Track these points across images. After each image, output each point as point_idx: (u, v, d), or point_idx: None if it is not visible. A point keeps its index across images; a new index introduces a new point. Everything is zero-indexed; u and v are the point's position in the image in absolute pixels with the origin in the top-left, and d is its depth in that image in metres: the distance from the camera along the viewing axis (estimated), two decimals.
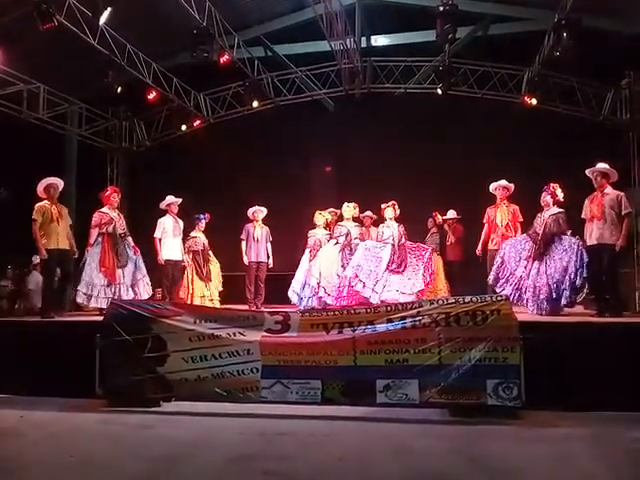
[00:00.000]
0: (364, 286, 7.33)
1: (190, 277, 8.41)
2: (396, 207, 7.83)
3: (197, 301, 8.28)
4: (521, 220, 7.44)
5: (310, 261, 8.11)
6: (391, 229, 7.70)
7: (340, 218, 8.56)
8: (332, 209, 8.78)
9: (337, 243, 8.00)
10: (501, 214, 7.46)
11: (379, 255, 7.51)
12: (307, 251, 8.35)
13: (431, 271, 7.49)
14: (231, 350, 4.94)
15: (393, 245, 7.55)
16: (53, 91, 10.22)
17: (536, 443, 3.97)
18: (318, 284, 7.71)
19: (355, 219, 8.48)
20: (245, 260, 8.62)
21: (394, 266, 7.43)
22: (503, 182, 7.58)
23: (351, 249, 7.88)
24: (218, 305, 8.28)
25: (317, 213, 8.52)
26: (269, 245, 8.77)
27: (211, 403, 4.94)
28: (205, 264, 8.50)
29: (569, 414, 4.54)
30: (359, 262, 7.47)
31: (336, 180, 11.82)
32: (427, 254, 7.54)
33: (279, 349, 4.90)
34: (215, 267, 8.77)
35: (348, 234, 8.00)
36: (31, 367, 5.43)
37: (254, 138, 11.57)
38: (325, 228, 8.48)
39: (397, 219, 7.91)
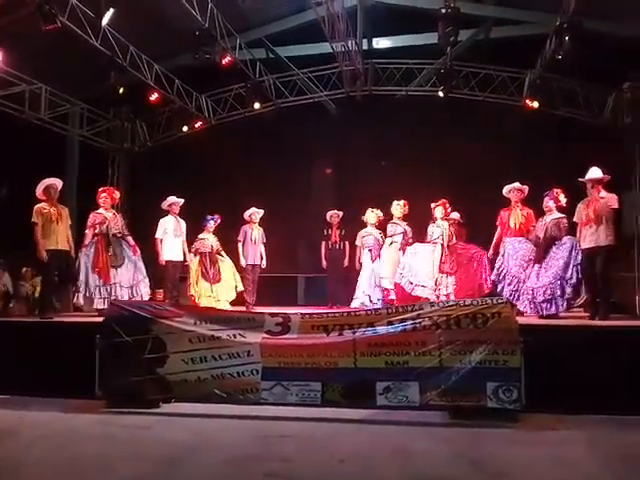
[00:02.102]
0: (422, 287, 7.27)
1: (195, 278, 8.36)
2: (447, 205, 7.61)
3: (203, 301, 8.19)
4: (534, 225, 7.15)
5: (372, 262, 7.99)
6: (441, 228, 7.53)
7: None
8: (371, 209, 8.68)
9: (392, 243, 7.82)
10: (514, 217, 7.26)
11: (431, 257, 7.37)
12: (366, 251, 8.20)
13: (485, 275, 7.23)
14: (231, 352, 4.92)
15: (443, 245, 7.41)
16: (55, 92, 10.23)
17: (534, 446, 3.96)
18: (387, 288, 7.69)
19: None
20: (242, 262, 8.60)
21: (447, 267, 7.30)
22: (517, 184, 7.36)
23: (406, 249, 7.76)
24: (226, 306, 8.21)
25: (369, 210, 8.39)
26: (262, 247, 8.77)
27: (211, 404, 4.93)
28: (212, 266, 8.39)
29: (568, 417, 4.54)
30: (408, 263, 7.35)
31: (337, 182, 11.84)
32: (479, 255, 7.34)
33: (279, 351, 4.89)
34: (228, 269, 8.54)
35: (405, 233, 7.82)
36: (31, 367, 5.43)
37: (255, 140, 11.58)
38: (377, 227, 8.31)
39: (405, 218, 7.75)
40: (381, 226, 8.50)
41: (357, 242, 9.22)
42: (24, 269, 9.67)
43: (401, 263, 7.51)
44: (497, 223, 7.45)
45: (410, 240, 7.86)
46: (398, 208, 8.01)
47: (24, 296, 9.56)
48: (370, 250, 8.15)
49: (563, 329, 5.56)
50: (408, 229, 7.89)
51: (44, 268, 6.88)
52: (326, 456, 3.78)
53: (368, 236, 8.27)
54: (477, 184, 9.75)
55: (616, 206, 6.18)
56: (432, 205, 7.72)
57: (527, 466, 3.57)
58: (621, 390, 4.62)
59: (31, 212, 6.60)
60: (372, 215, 8.32)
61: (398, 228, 7.88)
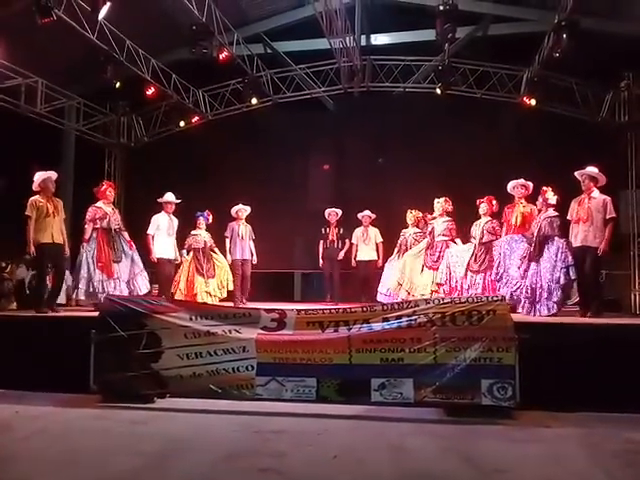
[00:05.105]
0: (450, 289, 7.27)
1: (191, 274, 8.35)
2: (493, 202, 7.44)
3: (198, 296, 8.21)
4: None
5: (398, 260, 8.07)
6: (477, 227, 7.44)
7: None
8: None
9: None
10: (516, 213, 7.22)
11: (464, 257, 7.33)
12: (395, 250, 8.34)
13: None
14: (226, 347, 4.93)
15: (475, 245, 7.35)
16: (51, 85, 10.18)
17: (528, 443, 3.97)
18: (400, 285, 7.69)
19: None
20: (229, 258, 8.64)
21: (475, 266, 7.22)
22: (521, 180, 7.29)
23: (434, 247, 7.73)
24: (217, 301, 8.23)
25: (408, 211, 8.51)
26: (252, 243, 8.79)
27: (206, 400, 4.94)
28: (207, 261, 8.42)
29: (562, 414, 4.56)
30: (446, 267, 7.37)
31: (334, 178, 11.83)
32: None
33: (275, 347, 4.89)
34: (221, 266, 8.55)
35: (432, 232, 7.80)
36: (26, 362, 5.42)
37: (252, 136, 11.56)
38: (417, 226, 8.37)
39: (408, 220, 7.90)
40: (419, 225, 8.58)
41: (353, 240, 9.23)
42: (8, 263, 9.53)
43: (444, 264, 7.47)
44: (502, 220, 7.38)
45: (440, 236, 7.72)
46: (438, 205, 7.89)
47: (7, 292, 9.41)
48: (397, 250, 8.34)
49: (557, 326, 5.57)
50: (442, 225, 7.73)
51: (37, 263, 6.85)
52: (320, 452, 3.79)
53: (402, 236, 8.38)
54: (474, 181, 9.75)
55: (613, 215, 6.16)
56: (477, 202, 7.58)
57: (521, 463, 3.59)
58: (614, 388, 4.63)
59: (23, 207, 6.56)
60: (410, 216, 8.47)
61: (429, 227, 7.93)
